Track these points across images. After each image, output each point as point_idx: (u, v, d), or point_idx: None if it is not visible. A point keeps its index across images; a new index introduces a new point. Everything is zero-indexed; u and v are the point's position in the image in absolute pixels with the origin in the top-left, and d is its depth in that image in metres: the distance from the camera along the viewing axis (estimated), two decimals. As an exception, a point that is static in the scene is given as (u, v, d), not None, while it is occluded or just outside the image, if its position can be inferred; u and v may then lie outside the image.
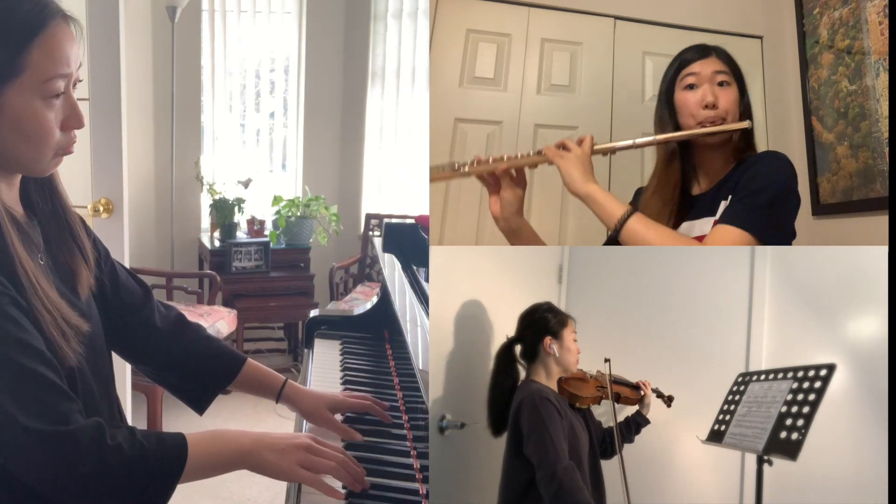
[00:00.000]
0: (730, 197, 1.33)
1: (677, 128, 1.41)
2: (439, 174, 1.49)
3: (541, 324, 1.42)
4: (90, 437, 0.93)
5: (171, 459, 0.99)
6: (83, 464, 0.92)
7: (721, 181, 1.40)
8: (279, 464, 1.07)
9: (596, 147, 1.39)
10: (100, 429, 0.95)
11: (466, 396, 1.52)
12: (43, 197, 1.11)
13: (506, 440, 1.37)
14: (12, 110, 0.95)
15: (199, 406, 1.33)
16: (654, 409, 1.52)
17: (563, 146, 1.40)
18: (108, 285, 1.22)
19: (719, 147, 1.40)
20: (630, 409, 1.54)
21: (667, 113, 1.43)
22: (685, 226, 1.41)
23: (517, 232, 1.48)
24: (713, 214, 1.36)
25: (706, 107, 1.37)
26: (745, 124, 1.36)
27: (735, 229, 1.27)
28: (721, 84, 1.39)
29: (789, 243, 1.35)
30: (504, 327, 1.48)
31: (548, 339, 1.41)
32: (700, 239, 1.36)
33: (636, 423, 1.52)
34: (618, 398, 1.47)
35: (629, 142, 1.41)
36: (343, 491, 1.11)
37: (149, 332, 1.28)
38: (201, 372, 1.32)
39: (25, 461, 0.92)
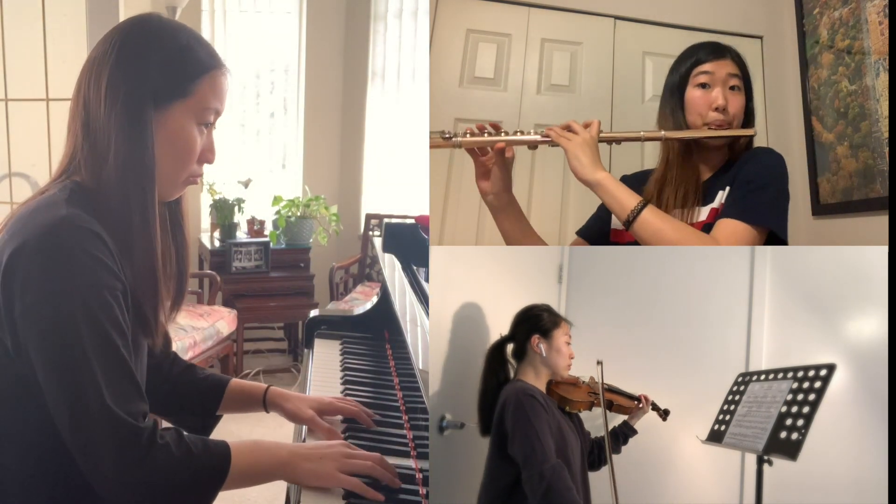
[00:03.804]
0: (728, 188, 1.35)
1: (683, 123, 1.42)
2: (435, 142, 1.43)
3: (531, 322, 1.38)
4: (148, 437, 0.95)
5: (216, 465, 1.00)
6: (136, 460, 0.93)
7: (716, 174, 1.42)
8: (318, 471, 1.08)
9: (602, 135, 1.38)
10: (154, 427, 0.97)
11: (466, 396, 1.52)
12: (166, 223, 1.16)
13: (490, 440, 1.34)
14: (173, 125, 1.07)
15: (204, 432, 1.36)
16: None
17: (568, 128, 1.38)
18: None
19: (720, 147, 1.43)
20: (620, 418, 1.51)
21: (678, 107, 1.43)
22: (676, 213, 1.42)
23: (506, 208, 1.47)
24: (710, 203, 1.38)
25: (716, 109, 1.38)
26: (751, 132, 1.39)
27: (739, 223, 1.29)
28: (732, 88, 1.40)
29: (786, 239, 1.36)
30: (503, 327, 1.48)
31: (535, 338, 1.36)
32: (699, 225, 1.37)
33: (623, 434, 1.47)
34: (610, 406, 1.43)
35: (636, 133, 1.42)
36: (342, 491, 1.11)
37: (156, 375, 1.31)
38: (190, 402, 1.35)
39: (87, 438, 0.93)
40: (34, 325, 0.95)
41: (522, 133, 1.42)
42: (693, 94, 1.41)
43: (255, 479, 1.05)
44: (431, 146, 1.43)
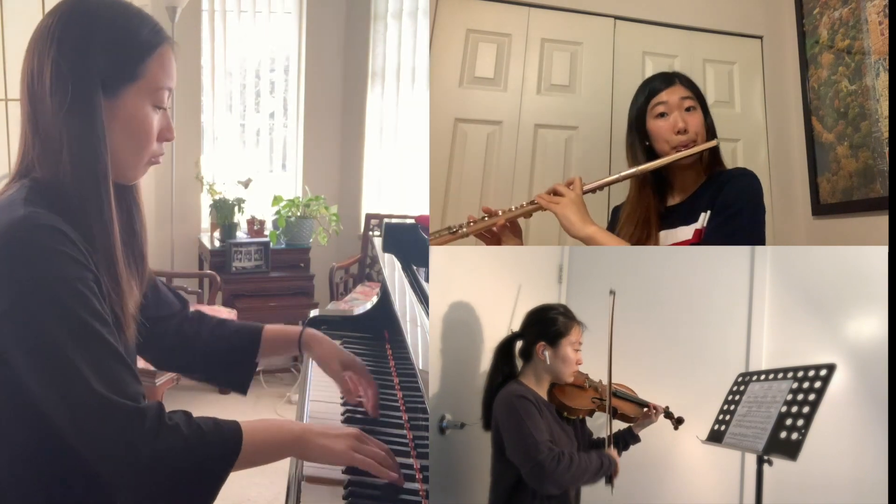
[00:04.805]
0: (709, 212, 1.46)
1: (651, 153, 1.53)
2: (439, 239, 1.54)
3: (541, 326, 1.38)
4: (153, 416, 0.94)
5: (228, 443, 1.00)
6: (145, 441, 0.93)
7: (696, 193, 1.53)
8: (333, 447, 1.09)
9: (585, 187, 1.49)
10: (161, 410, 0.96)
11: (466, 396, 1.52)
12: (123, 206, 1.14)
13: (490, 443, 1.35)
14: (127, 111, 1.05)
15: (242, 388, 1.40)
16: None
17: (554, 192, 1.48)
18: (151, 299, 1.26)
19: (691, 165, 1.52)
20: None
21: (639, 140, 1.54)
22: (664, 234, 1.53)
23: None
24: (692, 222, 1.49)
25: (678, 132, 1.49)
26: (713, 143, 1.50)
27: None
28: (688, 109, 1.51)
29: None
30: (504, 327, 1.48)
31: (540, 345, 1.35)
32: (685, 243, 1.49)
33: (624, 440, 1.44)
34: (615, 413, 1.39)
35: (615, 176, 1.53)
36: (343, 491, 1.11)
37: (180, 337, 1.33)
38: (228, 355, 1.38)
39: (90, 430, 0.92)
40: (10, 330, 0.93)
41: (515, 209, 1.53)
42: (655, 125, 1.51)
43: (268, 455, 1.05)
44: (440, 242, 1.55)
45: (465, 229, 1.52)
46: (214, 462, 0.98)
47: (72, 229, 0.98)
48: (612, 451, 1.31)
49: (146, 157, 1.09)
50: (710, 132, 1.53)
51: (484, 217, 1.54)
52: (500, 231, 1.53)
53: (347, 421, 1.35)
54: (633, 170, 1.51)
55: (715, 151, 1.54)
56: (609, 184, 1.53)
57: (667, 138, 1.50)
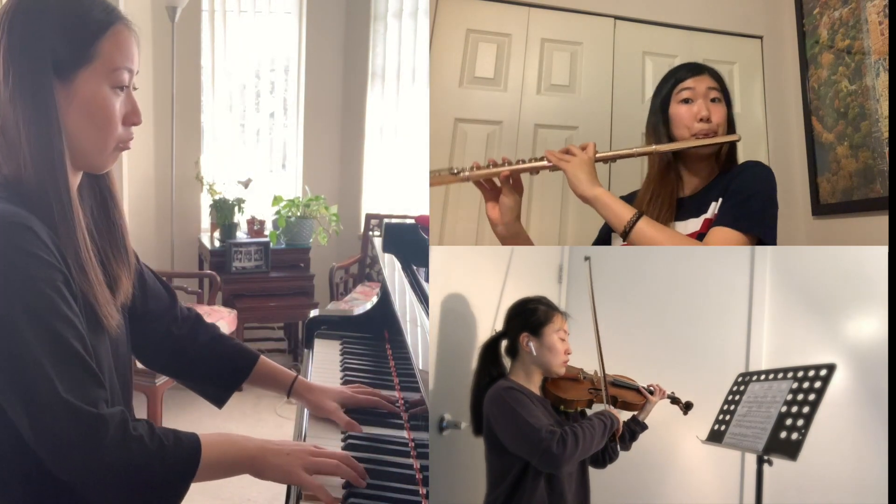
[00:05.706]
0: (720, 199, 1.43)
1: (671, 138, 1.49)
2: (438, 178, 1.51)
3: (522, 318, 1.33)
4: (116, 424, 0.94)
5: (187, 457, 1.00)
6: (108, 450, 0.93)
7: (708, 186, 1.50)
8: (282, 467, 1.08)
9: (598, 155, 1.46)
10: (124, 418, 0.96)
11: (466, 397, 1.52)
12: (97, 196, 1.13)
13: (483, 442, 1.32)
14: (84, 95, 1.02)
15: (218, 402, 1.39)
16: (655, 408, 1.50)
17: (567, 151, 1.46)
18: (138, 292, 1.24)
19: (707, 156, 1.50)
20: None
21: (661, 123, 1.51)
22: (675, 226, 1.48)
23: (515, 237, 1.53)
24: (703, 213, 1.45)
25: (701, 120, 1.46)
26: (736, 137, 1.48)
27: (732, 231, 1.37)
28: (713, 100, 1.48)
29: (775, 243, 1.43)
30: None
31: (524, 336, 1.30)
32: (693, 235, 1.45)
33: (631, 431, 1.37)
34: (614, 402, 1.36)
35: (632, 150, 1.49)
36: (342, 491, 1.11)
37: (170, 339, 1.32)
38: (216, 372, 1.37)
39: (53, 434, 0.92)
40: None
41: (524, 161, 1.49)
42: (678, 109, 1.49)
43: (223, 471, 1.05)
44: (439, 182, 1.51)
45: (466, 173, 1.48)
46: (175, 476, 0.98)
47: (40, 224, 0.97)
48: (612, 409, 1.30)
49: (111, 143, 1.05)
50: (731, 128, 1.50)
51: (489, 165, 1.49)
52: (502, 183, 1.49)
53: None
54: (651, 147, 1.48)
55: (732, 148, 1.52)
56: (623, 157, 1.49)
57: (688, 124, 1.47)
